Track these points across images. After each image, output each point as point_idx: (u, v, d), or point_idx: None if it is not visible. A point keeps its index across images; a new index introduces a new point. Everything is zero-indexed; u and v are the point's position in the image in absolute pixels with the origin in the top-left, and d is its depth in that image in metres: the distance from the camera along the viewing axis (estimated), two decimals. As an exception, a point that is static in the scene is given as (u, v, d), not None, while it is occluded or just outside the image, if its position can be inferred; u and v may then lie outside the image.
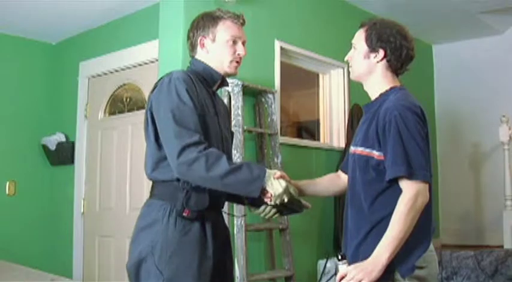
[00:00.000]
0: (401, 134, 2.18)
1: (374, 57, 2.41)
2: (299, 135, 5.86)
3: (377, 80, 2.45)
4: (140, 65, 4.90)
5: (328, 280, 4.54)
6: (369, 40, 2.42)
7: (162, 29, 4.16)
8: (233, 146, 3.96)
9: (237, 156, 3.94)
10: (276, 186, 2.37)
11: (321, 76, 5.45)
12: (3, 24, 5.38)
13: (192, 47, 2.61)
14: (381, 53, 2.39)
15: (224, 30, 2.57)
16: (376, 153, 2.27)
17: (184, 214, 2.34)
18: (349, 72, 5.04)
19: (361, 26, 2.52)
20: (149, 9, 4.77)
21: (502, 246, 5.43)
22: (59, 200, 5.59)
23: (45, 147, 5.65)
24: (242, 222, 3.87)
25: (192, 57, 2.62)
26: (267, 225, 4.29)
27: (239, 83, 4.06)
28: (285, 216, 4.22)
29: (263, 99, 4.42)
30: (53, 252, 5.50)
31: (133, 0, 4.75)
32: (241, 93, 4.07)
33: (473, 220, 6.17)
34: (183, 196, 2.33)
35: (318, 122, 5.46)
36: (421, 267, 2.22)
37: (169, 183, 2.39)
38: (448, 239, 6.32)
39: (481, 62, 6.52)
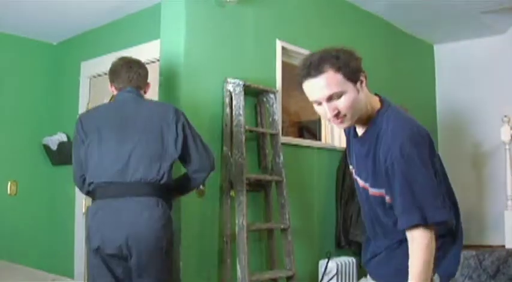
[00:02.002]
0: (407, 176, 2.08)
1: (360, 87, 2.21)
2: (300, 135, 5.85)
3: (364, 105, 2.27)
4: (146, 63, 4.90)
5: (329, 280, 4.53)
6: (348, 76, 2.16)
7: (164, 29, 4.16)
8: (234, 146, 3.98)
9: (238, 156, 3.94)
10: None
11: (322, 76, 5.43)
12: (5, 24, 5.39)
13: None
14: (362, 79, 2.22)
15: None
16: (387, 197, 2.19)
17: None
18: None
19: (321, 72, 2.16)
20: (151, 9, 4.77)
21: (503, 246, 5.43)
22: (60, 200, 5.59)
23: (46, 147, 5.65)
24: (244, 222, 3.87)
25: None
26: (268, 225, 4.29)
27: (240, 82, 4.06)
28: (287, 216, 4.24)
29: (264, 99, 4.42)
30: (54, 252, 5.51)
31: (134, 0, 4.74)
32: (242, 93, 4.07)
33: (475, 220, 6.15)
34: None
35: (319, 121, 5.46)
36: None
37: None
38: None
39: (482, 61, 6.50)
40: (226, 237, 3.99)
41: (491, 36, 6.43)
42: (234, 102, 4.05)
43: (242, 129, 3.99)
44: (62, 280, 3.31)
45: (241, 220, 3.89)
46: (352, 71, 2.16)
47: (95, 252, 3.04)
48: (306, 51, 4.88)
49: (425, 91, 6.73)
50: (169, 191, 3.21)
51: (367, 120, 2.29)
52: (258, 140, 4.43)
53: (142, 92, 3.45)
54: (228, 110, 4.07)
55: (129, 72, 3.38)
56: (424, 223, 2.05)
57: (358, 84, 2.19)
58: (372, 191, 2.26)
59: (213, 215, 4.01)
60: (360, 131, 2.36)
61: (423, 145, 2.13)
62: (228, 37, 4.28)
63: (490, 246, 5.66)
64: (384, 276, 2.33)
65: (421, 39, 6.68)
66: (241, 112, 4.02)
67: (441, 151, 6.40)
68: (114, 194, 3.08)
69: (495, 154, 6.19)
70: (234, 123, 4.01)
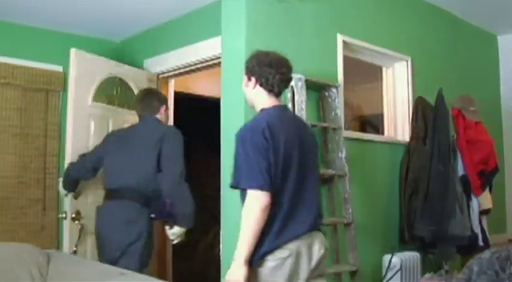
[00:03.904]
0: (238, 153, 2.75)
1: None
2: (363, 129, 5.82)
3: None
4: (206, 61, 4.96)
5: (393, 275, 4.49)
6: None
7: (225, 26, 4.19)
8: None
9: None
10: None
11: (384, 69, 5.39)
12: (70, 24, 5.52)
13: None
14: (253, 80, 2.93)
15: None
16: None
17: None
18: (413, 65, 5.00)
19: None
20: (212, 5, 4.82)
21: None
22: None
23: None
24: (307, 217, 3.86)
25: None
26: (332, 220, 4.28)
27: (302, 77, 4.06)
28: (350, 211, 4.23)
29: (326, 94, 4.40)
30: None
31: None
32: (304, 87, 4.06)
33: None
34: None
35: (381, 115, 5.41)
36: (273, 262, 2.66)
37: None
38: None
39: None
40: (289, 232, 3.99)
41: (560, 25, 6.25)
42: (296, 97, 4.05)
43: (304, 124, 3.99)
44: (131, 274, 3.36)
45: (305, 215, 3.88)
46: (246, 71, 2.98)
47: None
48: (366, 45, 4.86)
49: (488, 83, 6.57)
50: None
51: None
52: (320, 135, 4.41)
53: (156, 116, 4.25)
54: (290, 105, 4.07)
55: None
56: (236, 186, 2.77)
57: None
58: None
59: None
60: None
61: (249, 137, 2.74)
62: (288, 32, 4.27)
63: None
64: None
65: (483, 29, 6.52)
66: (303, 107, 4.02)
67: (506, 146, 6.29)
68: None
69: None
70: (297, 118, 4.01)
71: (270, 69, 2.85)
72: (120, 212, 3.96)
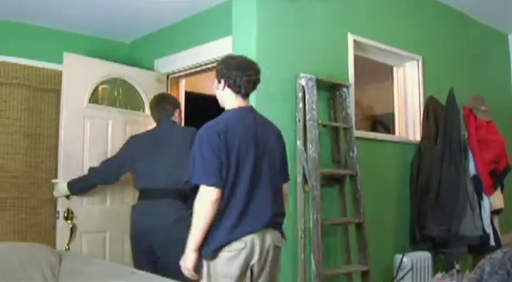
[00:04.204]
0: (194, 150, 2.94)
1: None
2: (374, 129, 5.81)
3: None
4: (217, 61, 4.94)
5: (404, 275, 4.49)
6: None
7: (235, 26, 4.19)
8: (308, 140, 3.97)
9: (312, 151, 3.94)
10: None
11: (395, 69, 5.38)
12: (79, 25, 5.54)
13: None
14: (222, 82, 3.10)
15: None
16: None
17: None
18: (424, 64, 5.00)
19: None
20: (222, 6, 4.82)
21: None
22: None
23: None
24: (318, 216, 3.87)
25: None
26: (343, 220, 4.28)
27: (313, 77, 4.06)
28: (361, 211, 4.22)
29: (337, 93, 4.40)
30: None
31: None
32: (315, 87, 4.06)
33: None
34: None
35: (392, 115, 5.40)
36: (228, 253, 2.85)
37: None
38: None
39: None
40: (300, 232, 3.99)
41: None
42: (307, 97, 4.05)
43: (316, 124, 3.99)
44: (141, 273, 3.36)
45: (316, 215, 3.89)
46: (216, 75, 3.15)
47: None
48: (377, 44, 4.85)
49: (499, 81, 6.54)
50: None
51: None
52: (331, 135, 4.41)
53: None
54: (301, 104, 4.07)
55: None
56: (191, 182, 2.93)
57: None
58: None
59: (287, 209, 4.01)
60: None
61: (204, 136, 2.91)
62: (299, 32, 4.28)
63: None
64: None
65: (494, 28, 6.50)
66: (314, 106, 4.02)
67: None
68: None
69: None
70: (308, 118, 4.01)
71: (237, 72, 3.03)
72: (167, 210, 3.98)
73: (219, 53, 4.79)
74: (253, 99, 3.84)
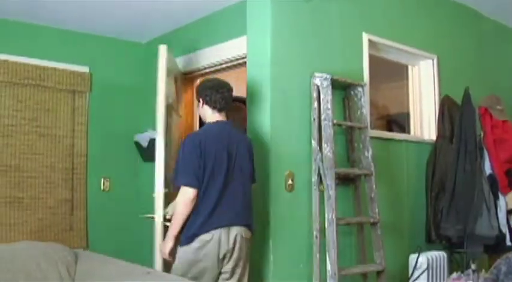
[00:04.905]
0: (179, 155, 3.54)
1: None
2: (389, 129, 5.79)
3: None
4: (231, 61, 4.97)
5: (419, 275, 4.47)
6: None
7: (250, 26, 4.19)
8: (323, 140, 3.97)
9: (327, 150, 3.93)
10: None
11: (410, 68, 5.37)
12: (95, 26, 5.58)
13: None
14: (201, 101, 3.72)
15: None
16: None
17: None
18: (439, 63, 4.98)
19: None
20: (237, 5, 4.82)
21: None
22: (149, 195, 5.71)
23: (138, 144, 5.81)
24: (333, 216, 3.86)
25: None
26: (358, 219, 4.27)
27: (328, 76, 4.05)
28: (376, 210, 4.21)
29: (352, 93, 4.39)
30: (141, 245, 5.61)
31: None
32: (330, 86, 4.05)
33: None
34: None
35: (407, 114, 5.39)
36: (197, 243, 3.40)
37: None
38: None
39: None
40: (316, 231, 3.99)
41: None
42: (321, 96, 4.04)
43: (330, 123, 3.98)
44: (157, 273, 3.38)
45: (331, 214, 3.88)
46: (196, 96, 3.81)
47: None
48: (392, 43, 4.84)
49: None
50: None
51: None
52: (346, 134, 4.41)
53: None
54: (315, 104, 4.07)
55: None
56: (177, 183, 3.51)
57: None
58: None
59: (302, 209, 4.02)
60: None
61: (187, 145, 3.51)
62: (314, 32, 4.27)
63: None
64: None
65: (510, 27, 6.45)
66: (329, 106, 4.01)
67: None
68: None
69: None
70: (322, 117, 4.00)
71: (211, 91, 3.64)
72: None
73: (234, 52, 4.81)
74: (268, 99, 3.86)
